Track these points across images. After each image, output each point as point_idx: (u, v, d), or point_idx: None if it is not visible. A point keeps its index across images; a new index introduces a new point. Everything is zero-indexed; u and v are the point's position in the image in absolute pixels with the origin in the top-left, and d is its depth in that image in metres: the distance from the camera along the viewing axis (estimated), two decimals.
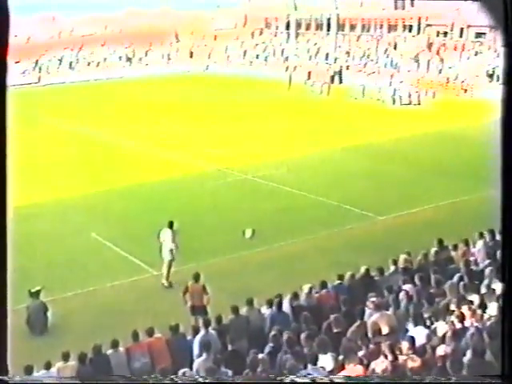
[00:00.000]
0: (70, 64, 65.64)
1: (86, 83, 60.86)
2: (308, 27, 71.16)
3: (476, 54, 55.92)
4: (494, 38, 54.78)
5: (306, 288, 13.85)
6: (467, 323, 10.90)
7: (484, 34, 57.27)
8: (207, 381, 8.87)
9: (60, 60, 65.47)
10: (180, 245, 17.85)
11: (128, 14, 73.05)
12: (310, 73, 56.85)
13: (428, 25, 62.00)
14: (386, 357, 9.62)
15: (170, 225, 17.89)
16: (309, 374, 9.56)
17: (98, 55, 68.09)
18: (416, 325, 11.23)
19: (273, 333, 11.39)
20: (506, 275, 6.87)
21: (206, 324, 12.39)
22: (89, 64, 66.50)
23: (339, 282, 14.33)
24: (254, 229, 20.12)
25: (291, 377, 9.21)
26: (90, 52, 68.26)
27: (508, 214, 6.68)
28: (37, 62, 63.37)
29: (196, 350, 11.85)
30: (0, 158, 6.29)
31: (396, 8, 65.05)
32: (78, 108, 45.73)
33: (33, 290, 15.57)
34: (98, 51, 68.61)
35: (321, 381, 8.96)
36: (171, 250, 17.76)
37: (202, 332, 12.13)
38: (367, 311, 12.31)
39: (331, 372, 9.86)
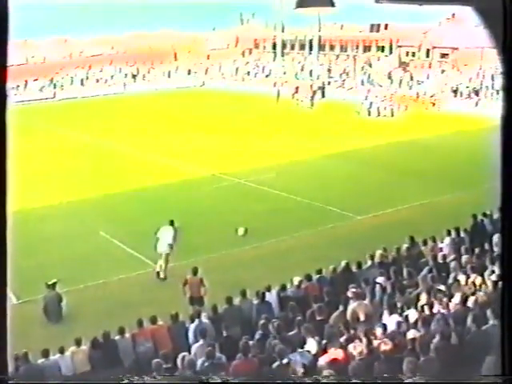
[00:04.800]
0: (82, 81, 65.56)
1: (96, 98, 60.80)
2: (293, 47, 71.29)
3: (442, 72, 56.15)
4: (456, 59, 55.33)
5: (292, 280, 13.91)
6: (435, 310, 10.97)
7: (447, 54, 57.78)
8: (208, 381, 8.82)
9: (72, 78, 65.42)
10: (179, 242, 17.88)
11: (132, 36, 73.01)
12: (296, 88, 56.90)
13: (399, 46, 62.30)
14: (361, 341, 9.66)
15: (171, 223, 17.92)
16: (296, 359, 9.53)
17: (106, 73, 68.01)
18: (390, 313, 11.27)
19: (261, 321, 11.40)
20: (505, 274, 6.82)
21: (201, 313, 12.47)
22: (98, 81, 66.41)
23: (322, 275, 14.37)
24: (247, 228, 20.22)
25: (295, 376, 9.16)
26: (99, 70, 68.16)
27: (507, 214, 6.64)
28: (52, 79, 63.41)
29: (191, 336, 11.88)
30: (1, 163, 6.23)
31: (372, 31, 65.26)
32: (88, 120, 45.59)
33: (49, 283, 15.60)
34: (105, 69, 68.53)
35: (322, 380, 8.92)
36: (170, 245, 17.73)
37: (197, 321, 12.15)
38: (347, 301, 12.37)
39: (315, 355, 9.88)
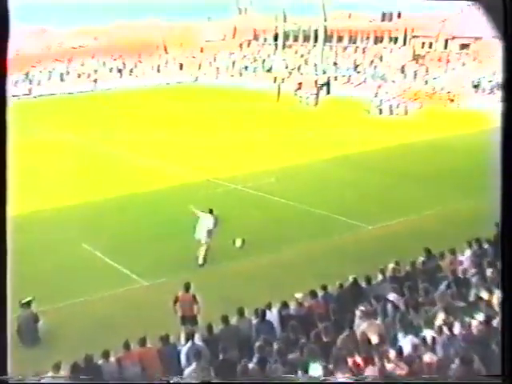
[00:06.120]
0: (61, 76, 65.56)
1: (77, 95, 60.81)
2: (296, 39, 71.40)
3: (463, 65, 56.20)
4: (478, 50, 55.17)
5: (295, 297, 13.87)
6: (456, 331, 10.93)
7: (468, 45, 57.72)
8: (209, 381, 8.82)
9: (50, 72, 65.41)
10: (170, 256, 17.92)
11: (117, 26, 73.11)
12: (298, 84, 56.96)
13: (414, 36, 62.36)
14: (374, 365, 9.63)
15: (211, 211, 19.58)
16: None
17: (89, 67, 68.08)
18: (405, 333, 11.23)
19: (261, 343, 11.36)
20: (505, 275, 6.84)
21: (194, 334, 12.41)
22: (79, 76, 66.45)
23: (328, 291, 14.33)
24: (244, 238, 20.19)
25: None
26: (81, 64, 68.25)
27: (507, 219, 6.69)
28: (27, 73, 63.29)
29: (183, 360, 11.83)
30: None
31: (383, 20, 65.35)
32: (68, 119, 45.62)
33: (23, 301, 15.44)
34: (88, 63, 68.62)
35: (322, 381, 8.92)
36: (209, 231, 19.29)
37: (189, 343, 12.10)
38: (356, 320, 12.33)
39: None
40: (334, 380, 8.87)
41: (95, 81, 65.43)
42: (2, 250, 6.45)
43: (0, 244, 6.55)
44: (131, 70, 69.66)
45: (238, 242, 20.28)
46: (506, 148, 6.73)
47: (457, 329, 11.00)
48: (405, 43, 63.12)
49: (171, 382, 9.87)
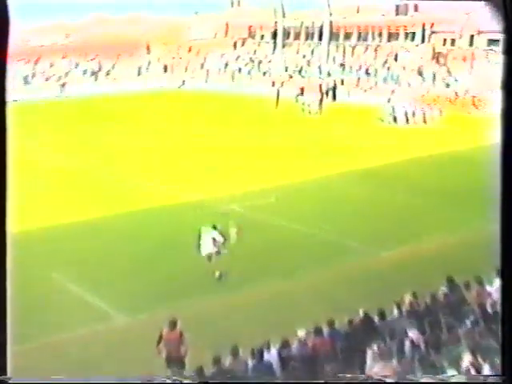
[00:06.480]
0: (25, 79, 65.54)
1: (44, 101, 60.71)
2: (297, 36, 71.57)
3: (491, 65, 56.17)
4: None
5: (297, 335, 13.85)
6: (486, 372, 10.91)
7: (497, 41, 57.50)
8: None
9: (14, 74, 65.36)
10: (153, 287, 17.86)
11: (93, 21, 73.24)
12: (300, 88, 57.10)
13: (433, 32, 62.40)
14: None
15: (214, 227, 20.86)
16: None
17: (59, 69, 68.09)
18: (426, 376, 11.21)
19: None
20: (505, 275, 6.96)
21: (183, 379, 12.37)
22: (47, 79, 66.47)
23: (335, 327, 14.30)
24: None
25: None
26: (49, 65, 68.22)
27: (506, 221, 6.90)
28: None
29: None
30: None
31: (398, 13, 65.46)
32: (35, 128, 45.52)
33: None
34: (58, 64, 68.61)
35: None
36: (223, 244, 20.55)
37: None
38: (368, 361, 12.30)
39: None
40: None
41: (63, 85, 65.29)
42: (2, 249, 6.83)
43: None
44: (108, 73, 69.79)
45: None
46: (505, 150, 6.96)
47: (486, 371, 10.97)
48: (423, 40, 63.30)
49: (171, 382, 9.95)
